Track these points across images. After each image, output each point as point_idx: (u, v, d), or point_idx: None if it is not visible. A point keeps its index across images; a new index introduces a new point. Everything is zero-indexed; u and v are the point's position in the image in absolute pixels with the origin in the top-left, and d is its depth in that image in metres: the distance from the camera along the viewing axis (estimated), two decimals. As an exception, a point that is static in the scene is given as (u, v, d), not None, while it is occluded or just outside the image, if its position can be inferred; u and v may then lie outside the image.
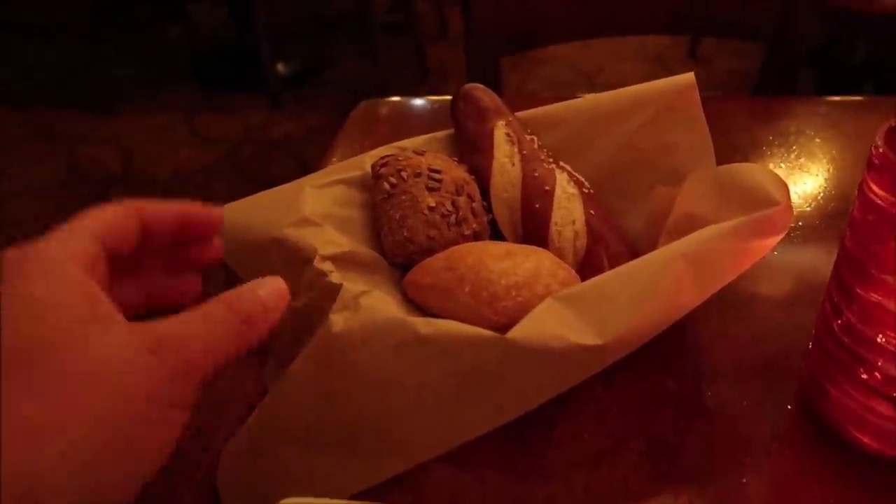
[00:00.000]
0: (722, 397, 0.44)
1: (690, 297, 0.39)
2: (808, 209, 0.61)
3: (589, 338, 0.36)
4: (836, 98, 0.80)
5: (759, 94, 1.08)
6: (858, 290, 0.36)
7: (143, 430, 0.26)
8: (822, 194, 0.63)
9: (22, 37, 3.01)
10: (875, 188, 0.34)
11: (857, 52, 2.41)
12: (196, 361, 0.28)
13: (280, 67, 2.69)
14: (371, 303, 0.39)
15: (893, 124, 0.35)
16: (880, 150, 0.34)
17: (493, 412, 0.38)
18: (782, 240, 0.54)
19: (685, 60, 2.61)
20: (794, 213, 0.59)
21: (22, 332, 0.25)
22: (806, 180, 0.65)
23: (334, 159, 0.68)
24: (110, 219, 0.32)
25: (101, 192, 2.19)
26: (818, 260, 0.55)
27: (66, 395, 0.25)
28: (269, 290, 0.32)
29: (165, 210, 0.35)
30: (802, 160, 0.68)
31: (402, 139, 0.53)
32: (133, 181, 2.26)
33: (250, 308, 0.30)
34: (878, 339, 0.36)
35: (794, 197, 0.61)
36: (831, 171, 0.66)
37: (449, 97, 0.55)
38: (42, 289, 0.27)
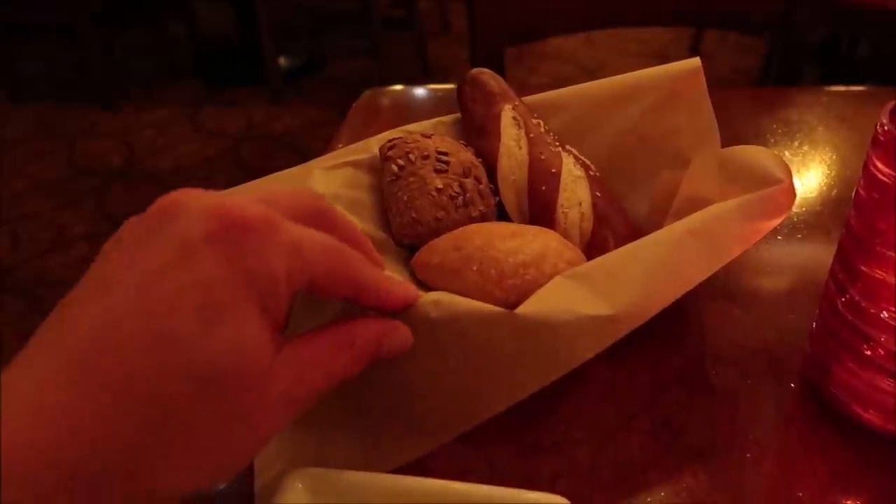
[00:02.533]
0: (726, 376, 0.45)
1: (697, 272, 0.40)
2: (812, 196, 0.61)
3: (599, 309, 0.36)
4: (839, 88, 0.80)
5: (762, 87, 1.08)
6: (863, 268, 0.37)
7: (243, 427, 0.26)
8: (825, 181, 0.63)
9: (25, 33, 3.01)
10: (880, 165, 0.34)
11: (859, 48, 2.41)
12: (310, 397, 0.29)
13: (282, 62, 2.69)
14: None
15: (898, 103, 0.36)
16: (885, 128, 0.34)
17: (508, 389, 0.39)
18: (786, 225, 0.55)
19: (687, 56, 2.59)
20: (798, 200, 0.60)
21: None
22: (809, 168, 0.66)
23: (339, 146, 0.68)
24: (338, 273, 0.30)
25: (103, 187, 2.20)
26: (821, 245, 0.55)
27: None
28: (396, 342, 0.33)
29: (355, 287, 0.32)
30: (805, 148, 0.68)
31: (406, 126, 0.54)
32: (135, 175, 2.27)
33: (373, 345, 0.31)
34: (882, 315, 0.36)
35: (797, 184, 0.62)
36: (834, 158, 0.67)
37: (451, 86, 0.55)
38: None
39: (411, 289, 0.36)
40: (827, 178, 0.64)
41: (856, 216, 0.37)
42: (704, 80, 0.51)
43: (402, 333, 0.33)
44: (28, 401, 0.23)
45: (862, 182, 0.37)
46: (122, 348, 0.23)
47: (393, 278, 0.34)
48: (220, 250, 0.25)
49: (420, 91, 0.84)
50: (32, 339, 0.25)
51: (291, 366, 0.27)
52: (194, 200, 0.26)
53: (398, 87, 0.83)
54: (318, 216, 0.31)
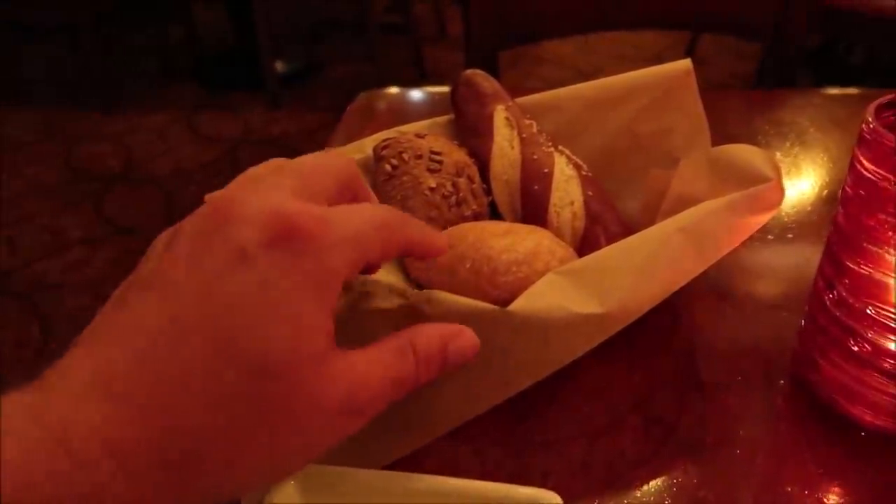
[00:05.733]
0: (717, 373, 0.45)
1: (688, 269, 0.40)
2: (802, 196, 0.62)
3: (591, 307, 0.37)
4: (832, 90, 0.81)
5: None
6: (849, 264, 0.37)
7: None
8: (816, 182, 0.64)
9: (22, 36, 3.02)
10: (866, 163, 0.35)
11: (853, 54, 2.42)
12: (374, 404, 0.29)
13: (279, 67, 2.70)
14: (374, 289, 0.39)
15: (884, 101, 0.36)
16: (871, 126, 0.34)
17: (500, 386, 0.39)
18: (777, 225, 0.56)
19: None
20: (789, 201, 0.60)
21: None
22: (800, 169, 0.66)
23: (334, 148, 0.69)
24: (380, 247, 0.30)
25: (102, 191, 2.20)
26: (812, 245, 0.55)
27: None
28: (463, 346, 0.32)
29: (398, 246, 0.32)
30: (797, 150, 0.69)
31: (402, 128, 0.54)
32: (133, 179, 2.27)
33: (437, 350, 0.31)
34: (868, 311, 0.36)
35: (789, 185, 0.62)
36: (825, 160, 0.67)
37: (447, 88, 0.55)
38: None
39: (442, 236, 0.36)
40: (818, 178, 0.64)
41: (843, 213, 0.38)
42: (695, 80, 0.52)
43: (467, 336, 0.32)
44: (91, 382, 0.24)
45: (849, 179, 0.37)
46: (183, 344, 0.24)
47: (425, 225, 0.34)
48: (277, 254, 0.26)
49: (415, 93, 0.85)
50: (92, 324, 0.26)
51: (348, 370, 0.27)
52: (249, 206, 0.27)
53: (394, 89, 0.84)
54: (352, 182, 0.32)
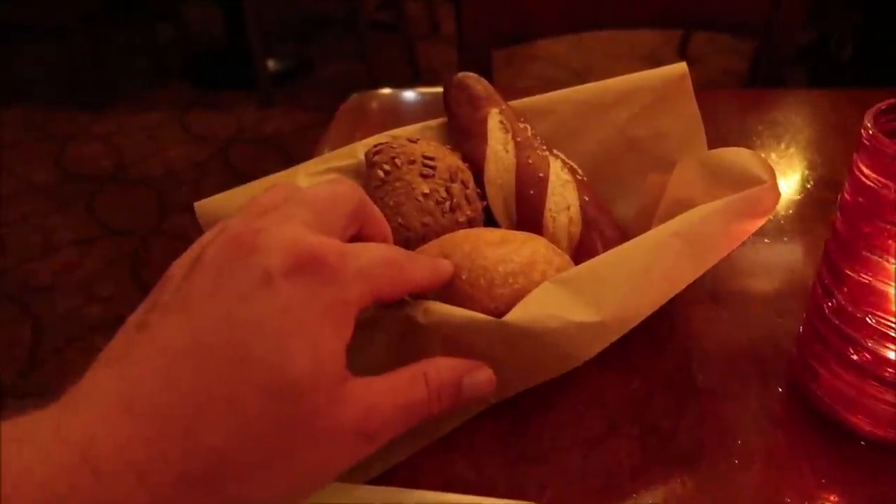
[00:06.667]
0: (714, 381, 0.44)
1: (685, 274, 0.40)
2: (798, 198, 0.61)
3: (587, 315, 0.36)
4: (826, 90, 0.80)
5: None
6: (848, 272, 0.37)
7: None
8: (811, 183, 0.64)
9: (12, 36, 2.99)
10: (865, 170, 0.34)
11: (845, 51, 2.42)
12: (384, 430, 0.29)
13: (271, 65, 2.68)
14: None
15: (883, 107, 0.36)
16: (870, 132, 0.34)
17: (494, 393, 0.39)
18: (772, 227, 0.55)
19: (676, 58, 2.60)
20: (784, 202, 0.60)
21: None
22: (795, 170, 0.66)
23: (325, 150, 0.68)
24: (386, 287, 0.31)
25: (93, 191, 2.18)
26: (808, 247, 0.55)
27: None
28: (479, 380, 0.33)
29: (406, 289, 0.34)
30: (792, 150, 0.68)
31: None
32: (125, 179, 2.25)
33: (450, 383, 0.32)
34: (868, 320, 0.36)
35: (783, 186, 0.62)
36: (820, 160, 0.67)
37: (440, 89, 0.55)
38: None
39: (445, 263, 0.38)
40: (813, 179, 0.64)
41: (841, 220, 0.37)
42: (691, 84, 0.51)
43: (483, 372, 0.33)
44: (114, 400, 0.24)
45: (847, 186, 0.37)
46: (206, 364, 0.25)
47: (431, 261, 0.36)
48: (299, 283, 0.27)
49: (408, 94, 0.84)
50: (111, 345, 0.27)
51: (363, 395, 0.28)
52: (272, 235, 0.28)
53: (386, 90, 0.83)
54: (360, 211, 0.33)
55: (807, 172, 0.65)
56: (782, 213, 0.59)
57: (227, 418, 0.25)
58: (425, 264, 0.35)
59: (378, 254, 0.31)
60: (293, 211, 0.30)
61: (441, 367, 0.32)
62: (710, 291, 0.50)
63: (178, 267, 0.29)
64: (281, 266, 0.27)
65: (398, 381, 0.30)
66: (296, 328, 0.26)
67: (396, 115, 0.81)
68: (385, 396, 0.29)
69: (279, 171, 0.49)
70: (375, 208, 0.35)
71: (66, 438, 0.23)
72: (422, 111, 0.80)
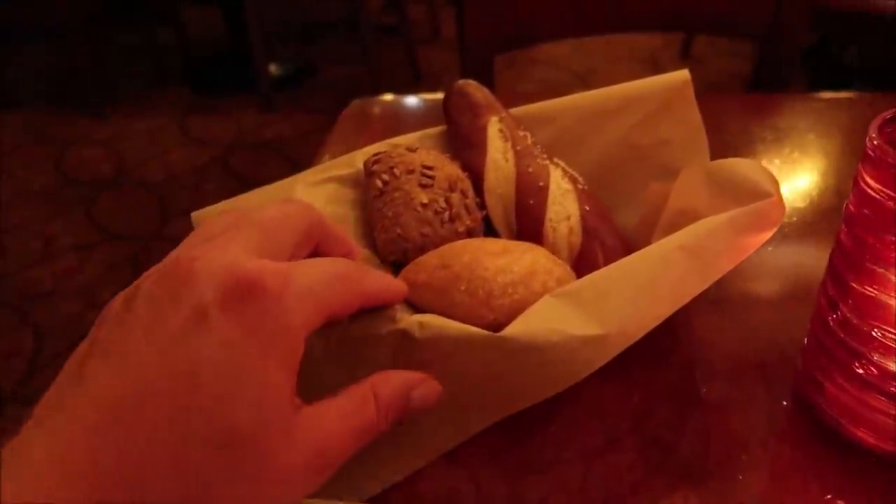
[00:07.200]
0: (717, 393, 0.44)
1: (689, 289, 0.39)
2: (802, 205, 0.61)
3: (589, 329, 0.36)
4: (829, 94, 0.80)
5: (752, 93, 1.08)
6: (853, 284, 0.36)
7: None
8: (815, 190, 0.63)
9: (12, 40, 2.99)
10: (870, 181, 0.34)
11: (848, 53, 2.42)
12: (340, 456, 0.29)
13: (272, 69, 2.68)
14: (364, 314, 0.38)
15: (887, 116, 0.35)
16: (875, 143, 0.33)
17: (494, 410, 0.38)
18: (776, 236, 0.54)
19: (678, 61, 2.61)
20: (788, 209, 0.59)
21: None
22: (799, 176, 0.65)
23: (326, 157, 0.67)
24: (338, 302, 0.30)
25: (93, 196, 2.18)
26: (813, 255, 0.54)
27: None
28: (425, 393, 0.33)
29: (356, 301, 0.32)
30: (796, 156, 0.68)
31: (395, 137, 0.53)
32: (125, 184, 2.25)
33: (398, 398, 0.31)
34: (874, 333, 0.35)
35: (787, 193, 0.61)
36: (825, 166, 0.66)
37: (441, 95, 0.54)
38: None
39: (400, 282, 0.37)
40: (817, 185, 0.64)
41: (846, 232, 0.37)
42: (693, 92, 0.51)
43: (429, 385, 0.33)
44: (50, 460, 0.23)
45: (852, 197, 0.36)
46: (143, 416, 0.24)
47: (384, 275, 0.35)
48: (235, 315, 0.25)
49: (410, 100, 0.83)
50: (48, 395, 0.25)
51: (315, 427, 0.27)
52: (206, 262, 0.26)
53: (388, 96, 0.83)
54: (314, 230, 0.32)
55: (811, 179, 0.65)
56: (787, 220, 0.58)
57: (170, 470, 0.24)
58: (377, 277, 0.34)
59: (323, 269, 0.30)
60: (236, 235, 0.28)
61: (391, 384, 0.31)
62: (713, 301, 0.50)
63: (117, 301, 0.27)
64: (214, 299, 0.25)
65: (349, 403, 0.29)
66: (236, 369, 0.25)
67: (398, 121, 0.80)
68: (335, 424, 0.28)
69: (280, 175, 0.49)
70: (334, 227, 0.34)
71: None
72: (423, 117, 0.80)
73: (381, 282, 0.34)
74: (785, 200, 0.41)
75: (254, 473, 0.25)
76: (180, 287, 0.26)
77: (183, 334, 0.25)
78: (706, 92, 0.51)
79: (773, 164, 0.66)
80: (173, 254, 0.28)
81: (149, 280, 0.27)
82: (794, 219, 0.59)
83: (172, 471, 0.24)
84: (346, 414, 0.29)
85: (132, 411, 0.24)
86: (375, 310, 0.37)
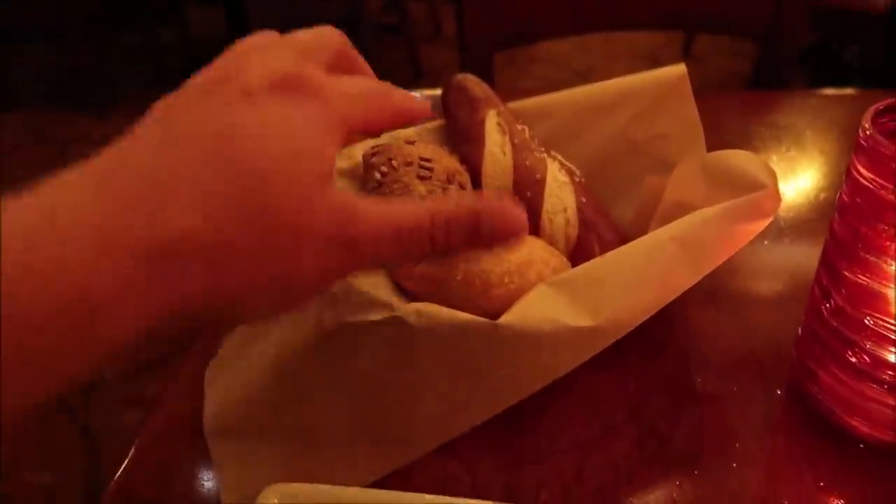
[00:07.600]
0: (712, 384, 0.44)
1: (682, 279, 0.39)
2: (799, 200, 0.61)
3: (582, 320, 0.36)
4: (827, 91, 0.80)
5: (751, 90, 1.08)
6: (846, 273, 0.36)
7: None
8: (812, 185, 0.63)
9: (12, 40, 3.00)
10: (863, 170, 0.34)
11: (847, 52, 2.42)
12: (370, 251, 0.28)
13: (274, 68, 2.68)
14: (361, 300, 0.38)
15: (881, 107, 0.35)
16: (868, 133, 0.34)
17: (490, 400, 0.38)
18: (773, 231, 0.55)
19: (679, 59, 2.59)
20: (785, 205, 0.60)
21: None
22: (797, 172, 0.65)
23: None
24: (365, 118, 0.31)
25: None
26: (808, 249, 0.55)
27: None
28: (502, 222, 0.30)
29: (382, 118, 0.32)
30: (793, 153, 0.68)
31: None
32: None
33: (462, 221, 0.29)
34: (867, 321, 0.36)
35: (785, 188, 0.62)
36: (822, 162, 0.67)
37: (440, 91, 0.55)
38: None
39: (424, 101, 0.36)
40: (814, 182, 0.64)
41: (839, 221, 0.37)
42: (690, 86, 0.51)
43: (512, 213, 0.30)
44: (81, 175, 0.24)
45: (845, 187, 0.36)
46: (173, 151, 0.25)
47: (409, 93, 0.34)
48: (281, 96, 0.27)
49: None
50: (102, 155, 0.26)
51: (348, 203, 0.27)
52: (257, 61, 0.28)
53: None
54: (345, 54, 0.34)
55: (808, 175, 0.65)
56: (783, 215, 0.58)
57: (193, 201, 0.24)
58: (404, 94, 0.34)
59: (357, 82, 0.31)
60: (277, 48, 0.29)
61: (458, 202, 0.29)
62: (709, 293, 0.50)
63: (165, 97, 0.28)
64: (261, 85, 0.27)
65: (399, 202, 0.29)
66: (274, 127, 0.26)
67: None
68: (374, 209, 0.28)
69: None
70: (360, 56, 0.35)
71: (26, 201, 0.23)
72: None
73: (408, 98, 0.34)
74: (782, 196, 0.41)
75: (275, 218, 0.25)
76: (230, 77, 0.27)
77: (227, 105, 0.26)
78: (706, 90, 0.51)
79: (770, 160, 0.67)
80: (217, 60, 0.29)
81: (197, 77, 0.28)
82: (791, 214, 0.59)
83: (195, 200, 0.24)
84: (390, 206, 0.28)
85: (164, 147, 0.25)
86: (371, 298, 0.38)
